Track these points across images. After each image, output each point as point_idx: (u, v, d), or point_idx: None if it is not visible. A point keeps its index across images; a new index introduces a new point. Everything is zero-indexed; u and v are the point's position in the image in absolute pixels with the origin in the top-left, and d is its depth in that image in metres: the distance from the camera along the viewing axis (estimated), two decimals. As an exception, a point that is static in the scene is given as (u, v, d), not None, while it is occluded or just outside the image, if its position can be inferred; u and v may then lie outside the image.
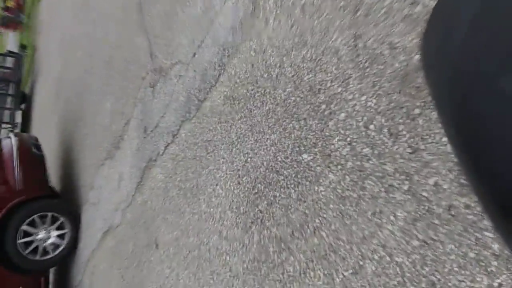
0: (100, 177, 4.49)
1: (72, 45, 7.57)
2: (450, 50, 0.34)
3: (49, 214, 4.61)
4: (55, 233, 4.66)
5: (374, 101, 1.37)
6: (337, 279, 1.41)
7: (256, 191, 1.90)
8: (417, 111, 1.23)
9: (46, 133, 7.82)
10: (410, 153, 1.22)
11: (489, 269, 0.99)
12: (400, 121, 1.27)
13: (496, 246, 0.98)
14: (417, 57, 1.25)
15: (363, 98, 1.42)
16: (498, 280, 0.97)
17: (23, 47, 16.14)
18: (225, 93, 2.31)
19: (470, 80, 0.32)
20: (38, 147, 5.26)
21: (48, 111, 8.60)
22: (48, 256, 4.65)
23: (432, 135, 1.17)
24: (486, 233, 1.00)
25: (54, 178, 6.17)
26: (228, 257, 2.03)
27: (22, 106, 12.43)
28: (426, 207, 1.16)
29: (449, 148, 1.12)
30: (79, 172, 5.40)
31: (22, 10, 17.37)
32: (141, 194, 3.32)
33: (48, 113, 8.51)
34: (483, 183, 0.33)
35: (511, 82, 0.28)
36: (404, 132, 1.26)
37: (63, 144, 6.57)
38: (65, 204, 5.17)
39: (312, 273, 1.52)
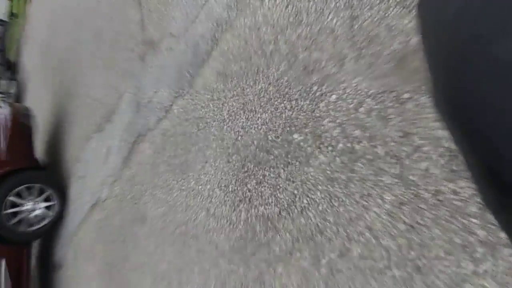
0: (88, 150, 4.46)
1: (64, 15, 7.38)
2: (446, 17, 0.34)
3: (36, 185, 4.58)
4: (42, 204, 4.63)
5: (365, 84, 1.37)
6: (323, 261, 1.42)
7: (245, 169, 1.90)
8: (408, 95, 1.23)
9: (35, 103, 7.70)
10: (401, 136, 1.23)
11: (474, 256, 1.00)
12: (391, 104, 1.27)
13: (481, 232, 0.99)
14: (414, 40, 1.24)
15: (355, 80, 1.41)
16: (484, 267, 0.98)
17: (13, 15, 15.67)
18: (217, 69, 2.28)
19: (465, 46, 0.31)
20: (29, 118, 5.18)
21: (38, 82, 8.44)
22: (34, 228, 4.64)
23: (422, 119, 1.18)
24: (472, 219, 1.02)
25: (41, 149, 6.11)
26: (215, 235, 2.04)
27: (16, 76, 12.16)
28: (414, 192, 1.17)
29: (439, 133, 1.12)
30: (67, 144, 5.35)
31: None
32: (129, 168, 3.31)
33: (38, 84, 8.36)
34: (474, 152, 0.33)
35: (506, 48, 0.28)
36: (393, 116, 1.26)
37: (51, 115, 6.48)
38: (53, 176, 5.13)
39: (298, 254, 1.53)
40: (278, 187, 1.68)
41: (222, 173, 2.07)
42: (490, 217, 0.98)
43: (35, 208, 4.59)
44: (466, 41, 0.31)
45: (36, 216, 4.62)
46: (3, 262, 4.49)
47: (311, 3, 1.67)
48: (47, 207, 4.68)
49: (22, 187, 4.46)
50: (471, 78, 0.31)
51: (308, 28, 1.67)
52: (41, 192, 4.63)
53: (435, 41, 0.37)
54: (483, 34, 0.30)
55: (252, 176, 1.85)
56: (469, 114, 0.32)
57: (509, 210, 0.32)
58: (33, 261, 5.37)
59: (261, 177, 1.79)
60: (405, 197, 1.19)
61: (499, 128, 0.29)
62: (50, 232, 4.90)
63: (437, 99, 0.37)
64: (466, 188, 1.05)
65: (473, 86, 0.31)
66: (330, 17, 1.57)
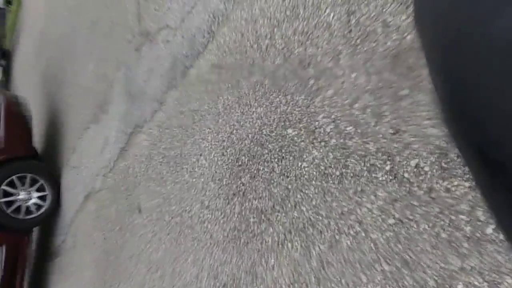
0: (84, 140, 4.44)
1: (59, 3, 7.32)
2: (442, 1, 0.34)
3: (28, 175, 4.56)
4: (35, 194, 4.62)
5: (363, 79, 1.37)
6: (313, 252, 1.44)
7: (239, 163, 1.91)
8: (404, 92, 1.23)
9: (26, 91, 7.65)
10: (392, 133, 1.23)
11: (460, 251, 1.02)
12: (386, 101, 1.28)
13: (468, 229, 1.01)
14: (410, 36, 1.24)
15: (353, 75, 1.41)
16: (470, 263, 1.00)
17: (8, 2, 15.52)
18: (213, 61, 2.27)
19: (461, 27, 0.31)
20: (22, 106, 5.15)
21: (30, 69, 8.39)
22: (32, 216, 4.64)
23: (415, 117, 1.18)
24: (461, 216, 1.03)
25: (36, 139, 6.09)
26: (209, 225, 2.05)
27: (2, 62, 12.04)
28: (408, 189, 1.17)
29: (431, 131, 1.13)
30: (63, 134, 5.33)
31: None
32: (124, 160, 3.31)
33: (30, 71, 8.30)
34: (466, 134, 0.33)
35: (504, 28, 0.27)
36: (388, 113, 1.26)
37: (46, 104, 6.45)
38: (45, 166, 5.11)
39: (289, 244, 1.55)
40: (272, 181, 1.69)
41: (217, 167, 2.07)
42: (479, 213, 1.00)
43: (29, 197, 4.59)
44: (462, 22, 0.31)
45: (32, 204, 4.62)
46: (3, 249, 4.51)
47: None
48: (41, 197, 4.67)
49: (13, 177, 4.44)
50: (467, 58, 0.31)
51: (305, 22, 1.66)
52: (33, 182, 4.62)
53: (431, 25, 0.37)
54: (478, 15, 0.30)
55: (246, 170, 1.85)
56: (462, 94, 0.32)
57: (498, 191, 0.32)
58: (33, 249, 5.39)
59: (255, 171, 1.80)
60: (398, 194, 1.20)
61: (490, 107, 0.29)
62: (49, 219, 4.90)
63: (433, 84, 0.37)
64: (459, 187, 1.06)
65: (468, 66, 0.31)
66: (327, 11, 1.57)
